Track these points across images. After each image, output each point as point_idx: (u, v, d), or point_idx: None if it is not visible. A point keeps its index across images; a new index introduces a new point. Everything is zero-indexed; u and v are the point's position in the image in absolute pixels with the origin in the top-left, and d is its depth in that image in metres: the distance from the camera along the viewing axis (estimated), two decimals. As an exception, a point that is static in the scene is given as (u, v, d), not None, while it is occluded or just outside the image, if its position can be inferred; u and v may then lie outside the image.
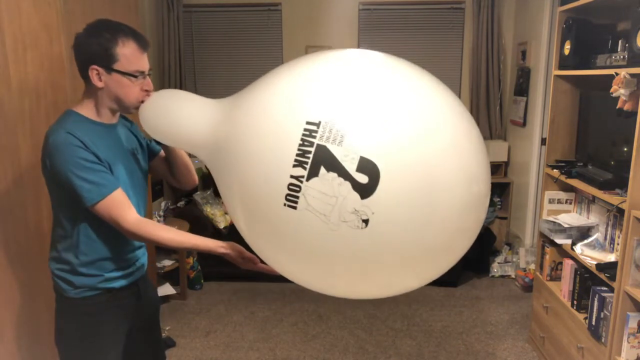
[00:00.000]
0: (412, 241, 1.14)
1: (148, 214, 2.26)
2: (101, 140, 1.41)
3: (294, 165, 1.09)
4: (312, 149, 1.08)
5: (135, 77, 1.39)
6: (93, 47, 1.36)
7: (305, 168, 1.08)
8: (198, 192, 4.08)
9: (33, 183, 1.53)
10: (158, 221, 3.48)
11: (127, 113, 1.48)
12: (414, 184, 1.09)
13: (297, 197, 1.09)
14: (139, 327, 1.62)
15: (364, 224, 1.08)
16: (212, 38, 4.56)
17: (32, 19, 1.84)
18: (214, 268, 3.90)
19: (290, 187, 1.09)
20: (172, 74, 4.45)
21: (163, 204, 3.72)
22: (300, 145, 1.09)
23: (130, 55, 1.38)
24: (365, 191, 1.06)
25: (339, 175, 1.06)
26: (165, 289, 3.51)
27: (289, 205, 1.10)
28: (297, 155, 1.08)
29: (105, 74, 1.37)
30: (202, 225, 3.84)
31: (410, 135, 1.10)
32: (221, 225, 3.81)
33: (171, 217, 3.82)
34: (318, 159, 1.07)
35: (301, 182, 1.08)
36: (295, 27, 4.47)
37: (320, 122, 1.09)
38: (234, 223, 1.32)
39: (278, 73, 1.26)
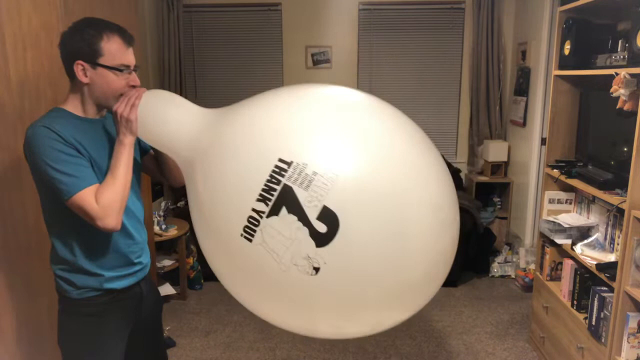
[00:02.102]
0: (366, 289, 1.13)
1: (148, 214, 2.26)
2: (86, 135, 1.40)
3: (258, 200, 1.09)
4: (279, 188, 1.08)
5: (121, 71, 1.40)
6: (78, 43, 1.37)
7: (267, 204, 1.08)
8: (198, 192, 4.07)
9: (33, 183, 1.53)
10: (158, 221, 3.48)
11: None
12: (379, 238, 1.09)
13: (255, 231, 1.10)
14: (141, 327, 1.62)
15: (314, 271, 1.08)
16: (212, 38, 4.56)
17: (32, 19, 1.84)
18: (214, 268, 3.90)
19: (250, 219, 1.10)
20: (172, 74, 4.45)
21: (163, 204, 3.72)
22: (267, 180, 1.09)
23: (115, 49, 1.38)
24: (321, 240, 1.07)
25: (299, 219, 1.07)
26: (165, 289, 3.51)
27: (245, 237, 1.11)
28: (263, 190, 1.09)
29: (91, 69, 1.38)
30: (202, 225, 3.84)
31: (379, 191, 1.10)
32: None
33: (171, 217, 3.82)
34: (282, 199, 1.07)
35: (261, 217, 1.09)
36: (295, 27, 4.47)
37: (292, 162, 1.09)
38: (197, 237, 1.31)
39: (272, 97, 1.25)
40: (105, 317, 1.50)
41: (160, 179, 1.72)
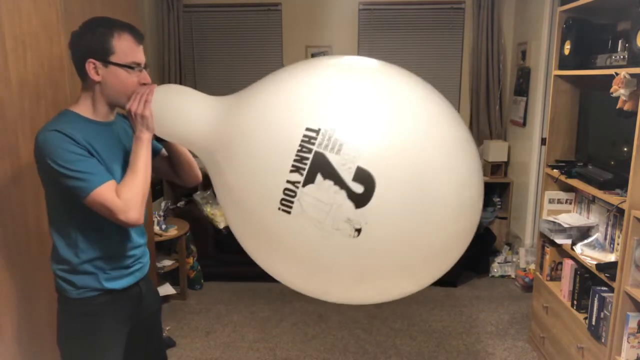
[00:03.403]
0: (406, 249, 1.15)
1: (148, 214, 2.26)
2: (97, 138, 1.41)
3: (291, 171, 1.10)
4: (310, 156, 1.09)
5: (132, 68, 1.40)
6: (89, 42, 1.37)
7: (302, 174, 1.09)
8: (198, 192, 4.08)
9: (33, 183, 1.53)
10: (158, 221, 3.48)
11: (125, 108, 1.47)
12: (408, 194, 1.10)
13: (292, 202, 1.10)
14: (141, 327, 1.62)
15: (356, 232, 1.09)
16: (212, 38, 4.56)
17: (32, 19, 1.84)
18: (214, 268, 3.90)
19: (286, 191, 1.10)
20: (172, 74, 4.45)
21: (163, 204, 3.72)
22: (298, 151, 1.10)
23: (126, 47, 1.39)
24: (360, 201, 1.08)
25: (335, 183, 1.08)
26: (165, 289, 3.51)
27: (283, 210, 1.12)
28: (295, 160, 1.10)
29: (102, 67, 1.38)
30: (202, 225, 3.84)
31: (407, 146, 1.12)
32: (221, 226, 3.81)
33: (171, 217, 3.82)
34: (315, 166, 1.08)
35: (297, 187, 1.09)
36: (295, 27, 4.47)
37: (319, 129, 1.10)
38: (228, 223, 1.32)
39: (281, 75, 1.26)
40: (104, 317, 1.49)
41: (174, 179, 1.72)
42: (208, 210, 3.88)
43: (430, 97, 1.23)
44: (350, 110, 1.13)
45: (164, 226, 3.49)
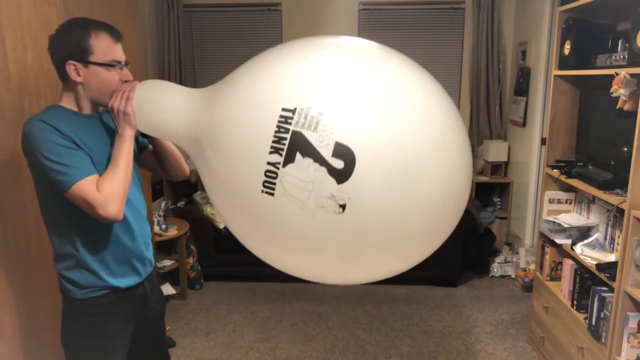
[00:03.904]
0: (392, 225, 1.14)
1: (148, 214, 2.27)
2: (83, 129, 1.41)
3: (270, 152, 1.10)
4: (288, 136, 1.09)
5: (112, 66, 1.41)
6: (67, 44, 1.38)
7: (281, 154, 1.09)
8: (198, 192, 4.08)
9: (32, 183, 1.54)
10: (158, 221, 3.48)
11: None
12: (392, 169, 1.09)
13: (274, 184, 1.11)
14: (144, 327, 1.62)
15: (341, 208, 1.09)
16: (212, 38, 4.56)
17: (32, 18, 1.84)
18: (214, 268, 3.90)
19: (267, 173, 1.11)
20: (172, 74, 4.45)
21: (163, 204, 3.72)
22: (276, 132, 1.10)
23: (104, 46, 1.40)
24: (341, 176, 1.07)
25: (315, 160, 1.07)
26: (165, 289, 3.51)
27: (266, 192, 1.12)
28: (273, 141, 1.10)
29: (83, 67, 1.39)
30: (202, 225, 3.85)
31: (387, 120, 1.11)
32: (221, 226, 3.81)
33: (171, 216, 3.82)
34: (294, 145, 1.08)
35: (278, 168, 1.10)
36: (295, 27, 4.47)
37: (295, 109, 1.10)
38: (219, 214, 1.32)
39: (256, 61, 1.27)
40: (108, 317, 1.49)
41: (161, 174, 1.73)
42: (208, 210, 3.88)
43: (423, 80, 1.23)
44: (328, 87, 1.12)
45: (164, 226, 3.49)
